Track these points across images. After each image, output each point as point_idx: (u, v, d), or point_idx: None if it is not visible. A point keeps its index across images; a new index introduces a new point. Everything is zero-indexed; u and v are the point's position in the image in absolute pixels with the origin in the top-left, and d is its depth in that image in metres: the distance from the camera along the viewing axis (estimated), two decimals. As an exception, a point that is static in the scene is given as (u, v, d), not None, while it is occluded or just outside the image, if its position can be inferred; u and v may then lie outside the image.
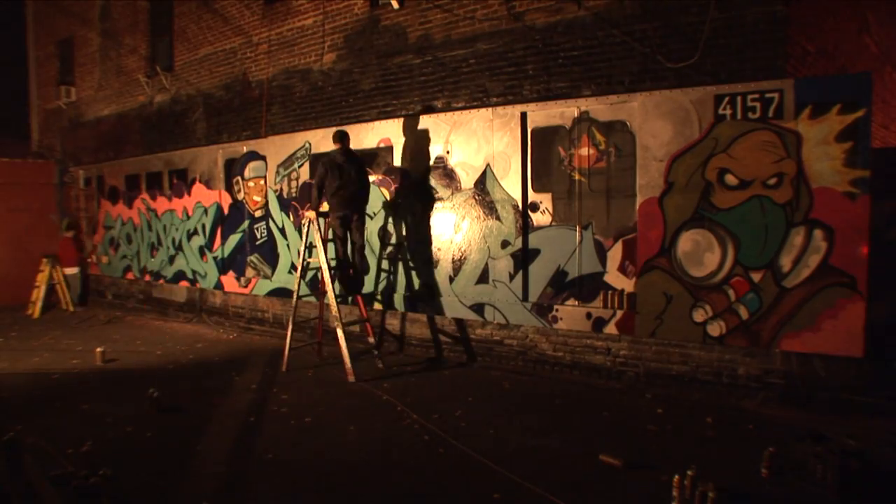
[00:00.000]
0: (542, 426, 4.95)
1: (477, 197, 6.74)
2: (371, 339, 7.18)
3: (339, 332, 6.52)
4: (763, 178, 5.07)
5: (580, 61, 6.12)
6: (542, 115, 6.29)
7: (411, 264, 7.29)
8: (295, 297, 6.99)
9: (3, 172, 12.68)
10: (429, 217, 7.12)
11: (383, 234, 7.55)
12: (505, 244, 6.54)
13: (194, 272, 10.07)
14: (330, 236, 7.05)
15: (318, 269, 6.92)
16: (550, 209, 6.30)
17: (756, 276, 5.15)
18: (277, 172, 8.67)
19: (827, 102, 4.80)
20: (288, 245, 8.60)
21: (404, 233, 7.35)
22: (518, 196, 6.42)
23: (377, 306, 7.66)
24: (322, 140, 8.10)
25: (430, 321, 7.40)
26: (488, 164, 6.64)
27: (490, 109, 6.60)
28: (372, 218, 7.64)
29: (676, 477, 3.55)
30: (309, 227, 6.82)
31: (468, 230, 6.84)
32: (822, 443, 3.88)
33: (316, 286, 7.62)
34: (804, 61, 5.50)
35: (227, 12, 9.44)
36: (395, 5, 7.34)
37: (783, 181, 4.99)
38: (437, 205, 7.06)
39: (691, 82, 5.44)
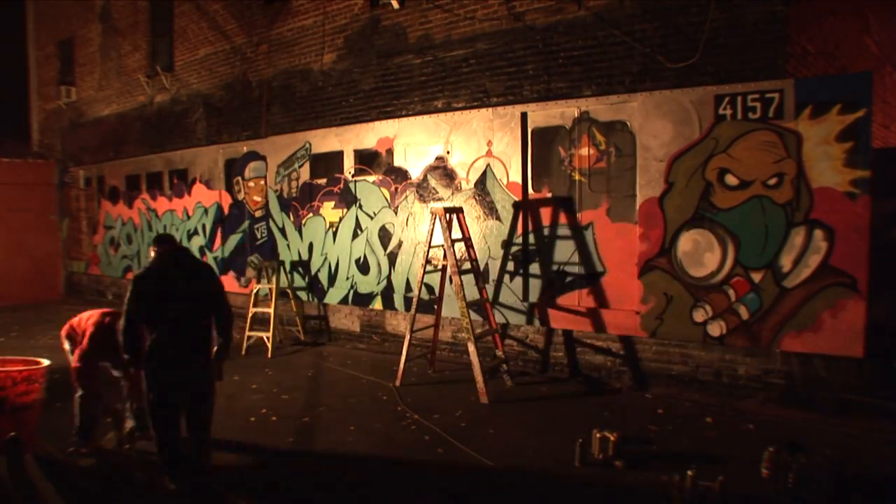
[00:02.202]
0: (542, 426, 4.95)
1: (477, 197, 6.74)
2: (500, 353, 6.32)
3: (471, 347, 5.80)
4: (763, 179, 5.07)
5: (580, 61, 6.11)
6: (543, 115, 6.29)
7: (410, 265, 7.28)
8: (415, 303, 6.34)
9: (3, 172, 12.67)
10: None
11: (383, 234, 7.55)
12: (505, 244, 6.53)
13: (194, 272, 10.05)
14: (457, 235, 6.29)
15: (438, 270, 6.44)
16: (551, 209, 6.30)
17: (756, 276, 5.15)
18: (278, 172, 8.67)
19: (827, 102, 4.80)
20: (288, 245, 8.59)
21: (404, 233, 7.34)
22: (518, 196, 6.42)
23: (377, 306, 7.65)
24: (322, 140, 8.11)
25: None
26: (488, 164, 6.63)
27: (490, 109, 6.60)
28: (373, 218, 7.64)
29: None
30: (436, 223, 6.17)
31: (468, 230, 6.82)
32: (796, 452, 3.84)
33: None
34: (804, 61, 5.50)
35: (227, 12, 9.43)
36: (396, 5, 7.34)
37: (783, 181, 4.99)
38: (437, 205, 7.05)
39: (691, 82, 5.44)
